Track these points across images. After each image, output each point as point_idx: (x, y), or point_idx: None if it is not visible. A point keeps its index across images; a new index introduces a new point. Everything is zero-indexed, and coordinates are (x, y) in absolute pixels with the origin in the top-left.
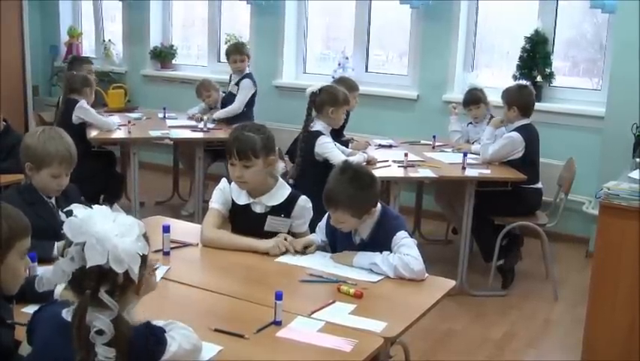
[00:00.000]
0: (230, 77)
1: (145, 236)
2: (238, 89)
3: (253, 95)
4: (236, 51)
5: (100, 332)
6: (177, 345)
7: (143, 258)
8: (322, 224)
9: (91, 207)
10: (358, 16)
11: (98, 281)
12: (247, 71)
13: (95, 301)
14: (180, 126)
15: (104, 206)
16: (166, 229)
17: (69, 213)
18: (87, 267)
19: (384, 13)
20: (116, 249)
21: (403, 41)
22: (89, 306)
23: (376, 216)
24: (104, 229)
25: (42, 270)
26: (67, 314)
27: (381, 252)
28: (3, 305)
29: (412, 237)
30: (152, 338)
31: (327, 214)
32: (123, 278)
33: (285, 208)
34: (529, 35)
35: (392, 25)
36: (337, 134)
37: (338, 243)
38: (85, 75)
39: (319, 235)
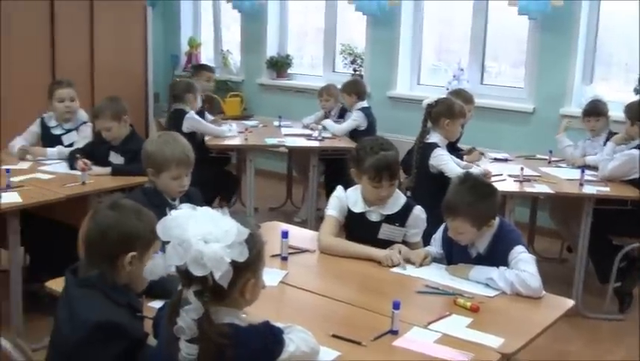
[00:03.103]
0: None
1: (250, 241)
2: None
3: (369, 128)
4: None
5: (182, 329)
6: (295, 346)
7: (244, 264)
8: (438, 236)
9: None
10: (474, 28)
11: (188, 280)
12: (359, 106)
13: (186, 299)
14: (295, 135)
15: (211, 209)
16: (284, 235)
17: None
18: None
19: (499, 23)
20: (200, 253)
21: (517, 52)
22: (182, 303)
23: (494, 229)
24: (190, 233)
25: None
26: None
27: (497, 266)
28: (135, 299)
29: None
30: (271, 337)
31: (443, 225)
32: (213, 282)
33: (400, 217)
34: None
35: (506, 36)
36: (452, 147)
37: (454, 255)
38: (188, 81)
39: (435, 247)
